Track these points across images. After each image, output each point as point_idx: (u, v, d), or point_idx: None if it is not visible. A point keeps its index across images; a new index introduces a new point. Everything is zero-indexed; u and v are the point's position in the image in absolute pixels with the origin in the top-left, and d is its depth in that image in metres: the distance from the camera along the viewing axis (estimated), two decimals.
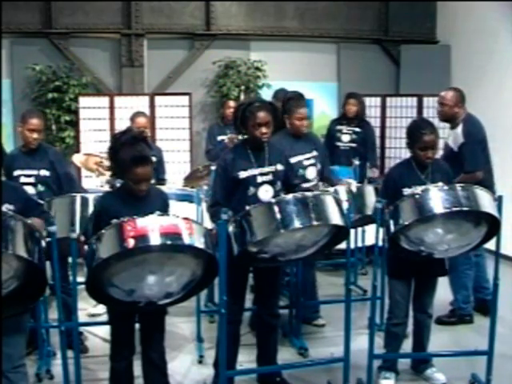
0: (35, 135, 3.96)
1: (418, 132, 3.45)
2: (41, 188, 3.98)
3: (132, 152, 2.87)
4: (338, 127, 6.16)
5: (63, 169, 4.12)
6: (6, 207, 2.74)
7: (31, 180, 3.96)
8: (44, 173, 4.00)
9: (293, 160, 4.00)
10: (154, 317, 3.07)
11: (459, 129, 4.32)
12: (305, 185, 4.01)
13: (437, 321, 4.32)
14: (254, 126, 3.29)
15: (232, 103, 6.23)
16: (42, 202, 3.54)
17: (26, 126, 3.97)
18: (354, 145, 6.09)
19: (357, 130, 6.10)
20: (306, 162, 4.22)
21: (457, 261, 4.29)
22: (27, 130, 3.97)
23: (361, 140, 6.10)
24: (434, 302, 3.65)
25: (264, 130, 3.29)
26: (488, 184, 4.16)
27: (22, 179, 3.94)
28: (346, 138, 6.11)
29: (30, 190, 3.89)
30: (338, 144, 6.08)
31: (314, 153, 4.28)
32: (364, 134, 6.15)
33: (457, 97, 4.36)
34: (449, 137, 4.48)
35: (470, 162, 4.25)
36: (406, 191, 3.41)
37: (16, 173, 3.96)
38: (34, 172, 3.98)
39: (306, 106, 4.29)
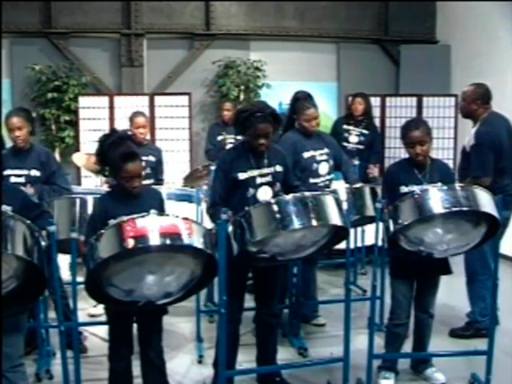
0: (17, 133, 3.92)
1: (405, 130, 3.48)
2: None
3: (120, 150, 2.94)
4: (346, 127, 6.09)
5: (53, 167, 4.07)
6: (4, 208, 2.74)
7: (21, 180, 3.93)
8: (34, 173, 3.97)
9: (306, 155, 4.24)
10: (152, 316, 3.06)
11: (475, 129, 4.08)
12: (316, 180, 4.24)
13: (451, 333, 4.24)
14: (253, 135, 3.31)
15: (228, 104, 6.23)
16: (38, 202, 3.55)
17: (6, 126, 3.96)
18: (361, 146, 6.06)
19: (365, 131, 6.07)
20: (318, 158, 4.31)
21: (476, 270, 4.15)
22: (8, 130, 3.94)
23: (367, 142, 6.07)
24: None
25: (262, 140, 3.31)
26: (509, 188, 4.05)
27: (13, 179, 3.91)
28: (354, 139, 6.05)
29: None
30: (345, 144, 5.96)
31: (326, 150, 4.36)
32: (371, 136, 6.12)
33: (476, 93, 4.08)
34: (468, 135, 4.21)
35: (476, 167, 4.01)
36: (403, 189, 3.42)
37: (6, 172, 3.91)
38: (25, 172, 3.96)
39: (313, 106, 4.35)
